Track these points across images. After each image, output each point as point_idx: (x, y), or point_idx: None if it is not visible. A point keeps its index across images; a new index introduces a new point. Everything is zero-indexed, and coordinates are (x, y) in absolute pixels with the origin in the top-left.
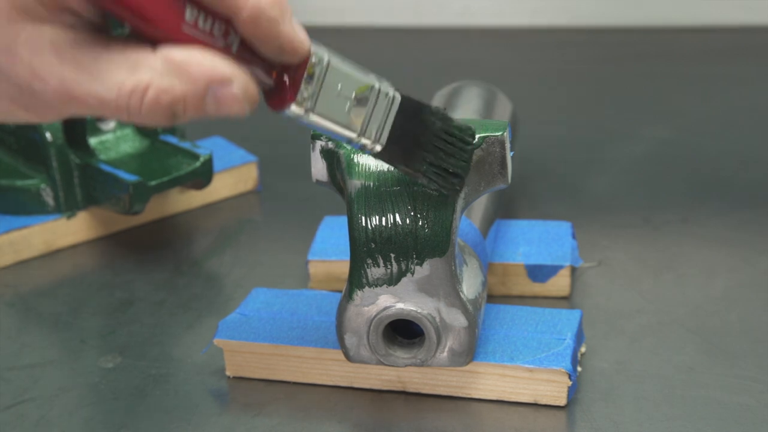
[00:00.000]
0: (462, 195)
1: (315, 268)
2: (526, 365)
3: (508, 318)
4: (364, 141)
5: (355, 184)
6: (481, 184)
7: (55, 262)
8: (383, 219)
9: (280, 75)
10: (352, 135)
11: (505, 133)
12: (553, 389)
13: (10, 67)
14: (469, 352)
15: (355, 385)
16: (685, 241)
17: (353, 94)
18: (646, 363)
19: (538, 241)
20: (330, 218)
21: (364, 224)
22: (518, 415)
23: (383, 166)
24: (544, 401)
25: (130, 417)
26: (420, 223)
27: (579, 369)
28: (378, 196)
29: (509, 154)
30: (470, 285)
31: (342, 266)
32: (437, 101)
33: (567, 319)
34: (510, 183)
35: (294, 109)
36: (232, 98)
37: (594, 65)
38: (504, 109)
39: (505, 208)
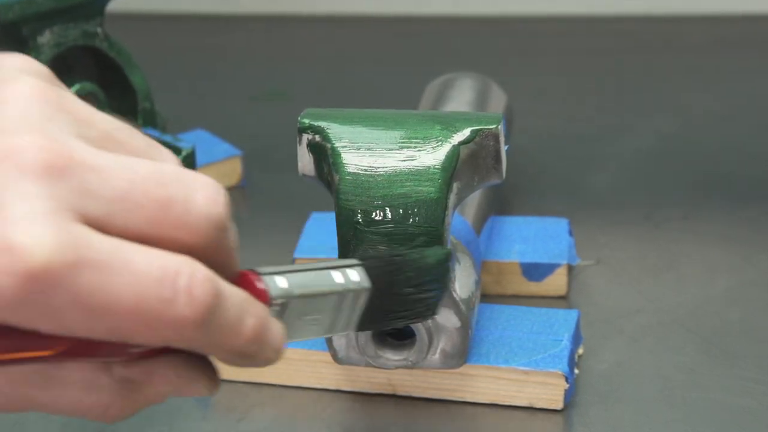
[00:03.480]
0: (454, 190)
1: None
2: (522, 367)
3: (502, 318)
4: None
5: (343, 178)
6: (475, 179)
7: None
8: (373, 215)
9: None
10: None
11: (500, 126)
12: (549, 392)
13: None
14: (462, 353)
15: (344, 388)
16: (687, 238)
17: (318, 314)
18: (645, 364)
19: (533, 238)
20: (317, 214)
21: (353, 221)
22: (513, 419)
23: (372, 161)
24: (540, 405)
25: None
26: (410, 220)
27: (576, 371)
28: (367, 191)
29: (504, 148)
30: (463, 284)
31: None
32: (429, 93)
33: (564, 320)
34: (504, 178)
35: None
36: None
37: (593, 56)
38: (498, 101)
39: (500, 204)
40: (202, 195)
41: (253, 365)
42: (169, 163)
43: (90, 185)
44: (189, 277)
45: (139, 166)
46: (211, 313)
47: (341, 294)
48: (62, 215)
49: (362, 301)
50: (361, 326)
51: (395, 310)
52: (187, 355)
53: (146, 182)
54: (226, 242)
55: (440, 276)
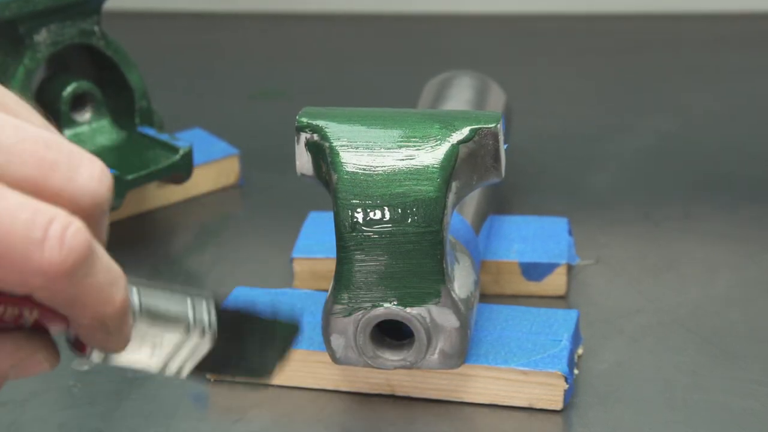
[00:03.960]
0: (453, 190)
1: (300, 266)
2: (521, 368)
3: (501, 318)
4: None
5: (342, 177)
6: (474, 178)
7: None
8: (371, 214)
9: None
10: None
11: (498, 125)
12: (548, 393)
13: None
14: (461, 353)
15: (342, 389)
16: (687, 237)
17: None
18: (645, 365)
19: (533, 237)
20: (315, 213)
21: (351, 220)
22: (512, 419)
23: (371, 160)
24: (539, 405)
25: (106, 422)
26: (409, 220)
27: (576, 371)
28: (366, 189)
29: (503, 147)
30: (462, 284)
31: (328, 264)
32: (428, 91)
33: (563, 320)
34: (504, 177)
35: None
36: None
37: (593, 54)
38: (497, 99)
39: (499, 204)
40: (87, 169)
41: (105, 346)
42: (61, 137)
43: None
44: (62, 226)
45: (30, 129)
46: (81, 265)
47: (187, 325)
48: None
49: (204, 343)
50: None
51: (228, 360)
52: (28, 331)
53: (35, 142)
54: (102, 225)
55: (282, 349)
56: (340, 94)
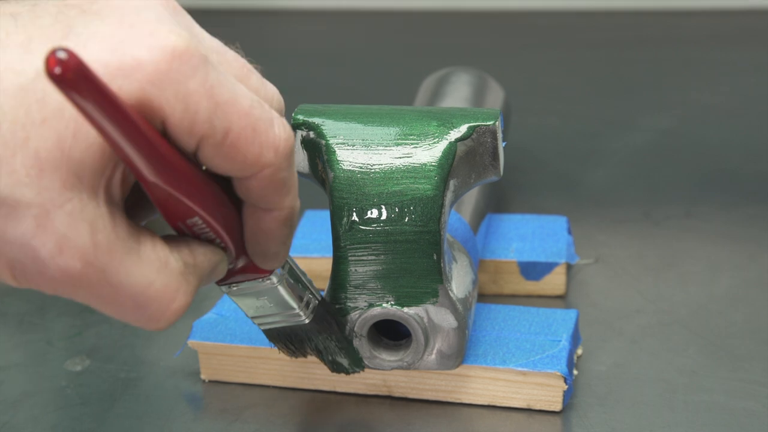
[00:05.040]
0: (451, 188)
1: None
2: (519, 368)
3: (500, 318)
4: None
5: (338, 176)
6: (472, 176)
7: None
8: (368, 213)
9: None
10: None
11: (497, 123)
12: (547, 394)
13: (34, 231)
14: (459, 354)
15: (338, 390)
16: (688, 236)
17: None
18: (646, 366)
19: (531, 236)
20: (311, 212)
21: (347, 219)
22: (511, 421)
23: (368, 158)
24: (538, 406)
25: (99, 423)
26: (406, 218)
27: (575, 372)
28: (362, 188)
29: (501, 145)
30: (460, 283)
31: (324, 263)
32: (425, 88)
33: (562, 320)
34: (502, 175)
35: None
36: (220, 275)
37: (592, 50)
38: (495, 96)
39: (497, 202)
40: (279, 123)
41: (278, 253)
42: (254, 86)
43: (212, 80)
44: (280, 119)
45: (240, 87)
46: (292, 148)
47: (292, 310)
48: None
49: (292, 321)
50: (270, 332)
51: (293, 341)
52: (214, 245)
53: (243, 99)
54: (290, 170)
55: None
56: (337, 91)
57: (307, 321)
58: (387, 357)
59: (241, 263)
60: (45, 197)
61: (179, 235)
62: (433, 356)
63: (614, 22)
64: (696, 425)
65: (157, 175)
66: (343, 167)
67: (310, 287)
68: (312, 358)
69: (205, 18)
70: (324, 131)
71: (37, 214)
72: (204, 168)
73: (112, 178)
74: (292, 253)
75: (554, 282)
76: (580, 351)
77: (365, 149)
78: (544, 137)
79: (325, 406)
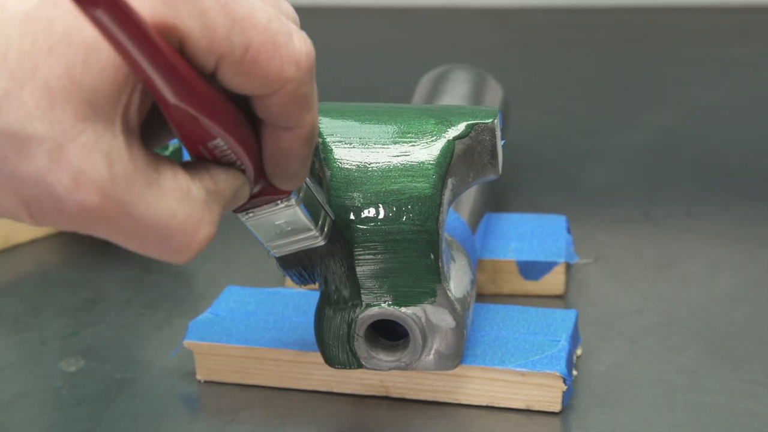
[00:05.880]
0: (449, 186)
1: None
2: (518, 369)
3: (498, 318)
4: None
5: (335, 174)
6: (470, 174)
7: (15, 258)
8: (365, 212)
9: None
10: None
11: (496, 121)
12: (546, 394)
13: (49, 166)
14: (457, 354)
15: (336, 390)
16: (688, 236)
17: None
18: (645, 366)
19: (530, 236)
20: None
21: (344, 218)
22: (510, 421)
23: (365, 156)
24: (537, 407)
25: (94, 424)
26: (404, 217)
27: (574, 373)
28: (359, 186)
29: (500, 143)
30: (458, 283)
31: None
32: (423, 86)
33: (562, 320)
34: (501, 174)
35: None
36: (241, 200)
37: (592, 48)
38: (494, 94)
39: (496, 201)
40: (298, 37)
41: (298, 172)
42: (270, 3)
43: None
44: (299, 32)
45: (256, 2)
46: (313, 62)
47: (309, 232)
48: None
49: (308, 244)
50: (284, 259)
51: (306, 266)
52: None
53: (261, 14)
54: (311, 85)
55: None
56: (334, 88)
57: (323, 242)
58: (384, 357)
59: (259, 186)
60: (57, 130)
61: (198, 160)
62: (431, 356)
63: (614, 20)
64: (696, 425)
65: (178, 95)
66: (340, 165)
67: (324, 207)
68: (310, 358)
69: None
70: (321, 129)
71: (51, 149)
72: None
73: (129, 107)
74: None
75: (553, 282)
76: (579, 351)
77: (362, 147)
78: (544, 135)
79: (321, 406)
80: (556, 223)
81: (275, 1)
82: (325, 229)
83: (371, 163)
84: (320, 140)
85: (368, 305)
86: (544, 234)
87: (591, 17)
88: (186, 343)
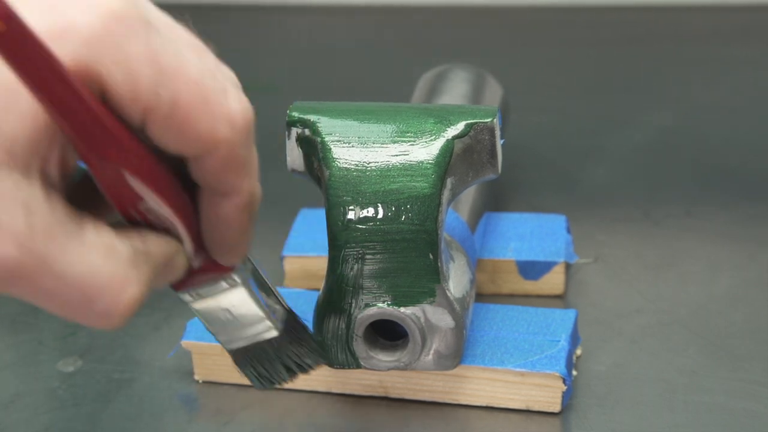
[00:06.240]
0: (448, 186)
1: (291, 265)
2: (518, 369)
3: (498, 318)
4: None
5: (334, 174)
6: (469, 174)
7: None
8: (364, 212)
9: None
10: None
11: (495, 120)
12: (546, 394)
13: None
14: (456, 354)
15: (334, 391)
16: (688, 236)
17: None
18: (645, 366)
19: (530, 235)
20: (307, 210)
21: (343, 217)
22: (509, 422)
23: (364, 156)
24: (536, 407)
25: (92, 424)
26: (403, 217)
27: (574, 373)
28: (358, 186)
29: (499, 142)
30: (457, 283)
31: (320, 262)
32: (422, 85)
33: (561, 320)
34: (500, 173)
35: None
36: (177, 271)
37: (591, 47)
38: (494, 94)
39: (495, 201)
40: (234, 95)
41: (238, 246)
42: (207, 62)
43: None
44: (237, 91)
45: (188, 55)
46: (252, 126)
47: (261, 320)
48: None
49: (261, 334)
50: (238, 354)
51: (263, 362)
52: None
53: (192, 67)
54: (249, 149)
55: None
56: (332, 87)
57: (276, 332)
58: (383, 357)
59: (199, 261)
60: None
61: (131, 224)
62: (431, 357)
63: (614, 19)
64: (696, 426)
65: (98, 147)
66: (339, 165)
67: (275, 293)
68: None
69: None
70: (319, 128)
71: None
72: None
73: (49, 157)
74: (287, 252)
75: (553, 281)
76: (579, 351)
77: (361, 147)
78: (543, 135)
79: (320, 407)
80: (556, 222)
81: (215, 62)
82: (278, 317)
83: (370, 163)
84: (319, 139)
85: (367, 305)
86: (543, 234)
87: (591, 16)
88: (184, 343)
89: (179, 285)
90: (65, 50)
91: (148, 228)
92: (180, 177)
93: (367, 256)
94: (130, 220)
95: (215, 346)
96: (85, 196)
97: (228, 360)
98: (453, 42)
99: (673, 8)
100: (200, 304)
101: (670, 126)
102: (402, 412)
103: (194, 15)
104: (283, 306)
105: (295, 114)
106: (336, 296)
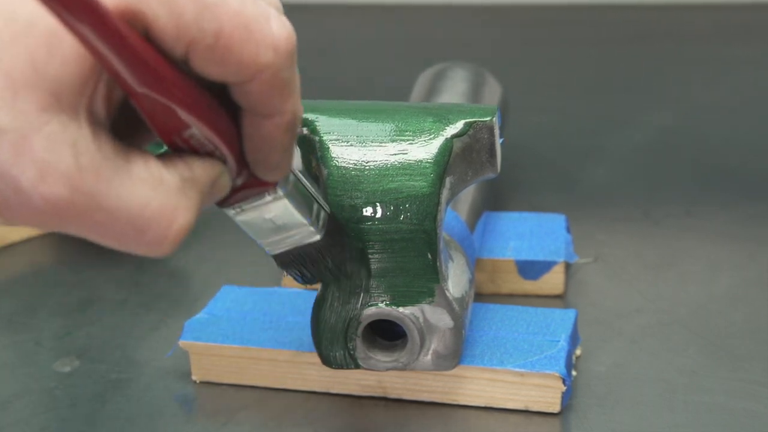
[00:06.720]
0: (447, 185)
1: None
2: (517, 369)
3: (497, 318)
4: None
5: (332, 173)
6: (468, 173)
7: (9, 258)
8: (363, 211)
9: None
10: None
11: (494, 119)
12: (545, 395)
13: (13, 159)
14: (455, 354)
15: (333, 391)
16: (688, 235)
17: (276, 226)
18: (645, 366)
19: (529, 235)
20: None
21: (342, 217)
22: (508, 423)
23: (362, 155)
24: (536, 408)
25: (89, 425)
26: (402, 216)
27: (574, 373)
28: (357, 185)
29: (498, 141)
30: (456, 282)
31: None
32: (421, 84)
33: (561, 320)
34: (499, 172)
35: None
36: (223, 191)
37: (592, 46)
38: (493, 92)
39: (495, 200)
40: (276, 20)
41: (281, 161)
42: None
43: None
44: (279, 15)
45: None
46: (294, 46)
47: (303, 226)
48: None
49: (303, 239)
50: (281, 256)
51: (306, 263)
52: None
53: None
54: (292, 71)
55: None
56: (331, 86)
57: (318, 237)
58: (382, 357)
59: (242, 179)
60: (21, 121)
61: (175, 151)
62: (429, 357)
63: (614, 18)
64: (696, 426)
65: (145, 83)
66: (338, 164)
67: (317, 199)
68: (307, 359)
69: None
70: (318, 127)
71: (14, 140)
72: (196, 76)
73: (94, 96)
74: None
75: (553, 281)
76: (578, 351)
77: (360, 146)
78: (543, 134)
79: (318, 407)
80: (556, 222)
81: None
82: (320, 223)
83: (369, 162)
84: (317, 138)
85: (365, 305)
86: (543, 233)
87: (591, 15)
88: (182, 343)
89: (223, 202)
90: None
91: (193, 153)
92: (222, 99)
93: (366, 256)
94: (175, 147)
95: (213, 347)
96: (128, 124)
97: (225, 360)
98: (452, 40)
99: (673, 7)
100: (244, 216)
101: (671, 126)
102: (401, 412)
103: None
104: (323, 209)
105: None
106: (334, 296)
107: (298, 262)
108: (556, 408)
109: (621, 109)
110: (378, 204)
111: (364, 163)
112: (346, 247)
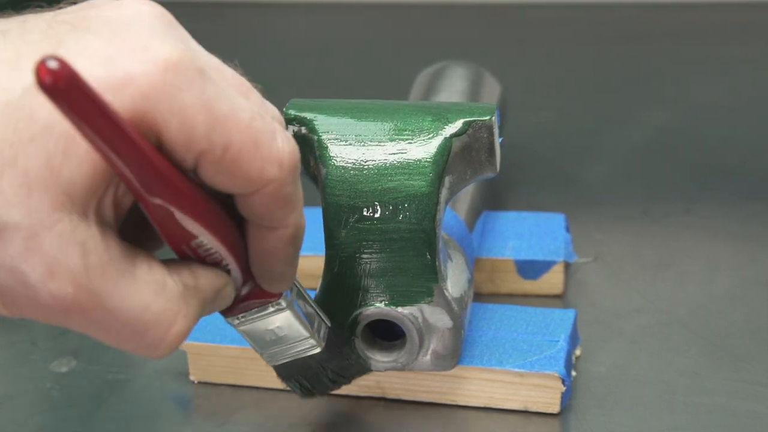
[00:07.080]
0: (446, 185)
1: None
2: (516, 369)
3: (496, 318)
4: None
5: (331, 172)
6: (468, 172)
7: None
8: (361, 211)
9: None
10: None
11: (493, 118)
12: (545, 395)
13: (23, 254)
14: (454, 354)
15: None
16: (688, 235)
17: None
18: (645, 367)
19: (529, 234)
20: (304, 209)
21: (340, 216)
22: (507, 423)
23: (361, 154)
24: (535, 408)
25: (86, 426)
26: (401, 216)
27: (573, 373)
28: (355, 185)
29: (498, 141)
30: (455, 282)
31: (316, 261)
32: (420, 82)
33: (560, 320)
34: (498, 172)
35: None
36: (226, 301)
37: (591, 44)
38: (492, 91)
39: (494, 199)
40: (282, 137)
41: (283, 275)
42: (254, 103)
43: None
44: (283, 131)
45: (239, 100)
46: (297, 162)
47: (305, 338)
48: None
49: (304, 351)
50: (282, 368)
51: (306, 375)
52: (217, 268)
53: (243, 112)
54: (295, 185)
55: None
56: (329, 85)
57: (320, 349)
58: (381, 357)
59: (247, 289)
60: (34, 218)
61: (182, 259)
62: (428, 357)
63: (613, 17)
64: (697, 427)
65: (156, 192)
66: (336, 163)
67: (318, 312)
68: None
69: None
70: (316, 126)
71: (26, 237)
72: (204, 186)
73: (104, 198)
74: None
75: (552, 281)
76: (578, 351)
77: (358, 145)
78: (542, 133)
79: (317, 407)
80: (555, 221)
81: (260, 101)
82: (321, 335)
83: (367, 161)
84: (316, 137)
85: (364, 305)
86: (542, 233)
87: (591, 13)
88: None
89: (227, 311)
90: (123, 102)
91: (199, 262)
92: (230, 210)
93: (364, 256)
94: (182, 255)
95: (210, 347)
96: (136, 226)
97: (223, 360)
98: (451, 39)
99: (672, 6)
100: (246, 326)
101: (669, 125)
102: (399, 412)
103: (191, 12)
104: (324, 322)
105: (292, 112)
106: (333, 296)
107: (298, 374)
108: (555, 408)
109: (620, 108)
110: (377, 203)
111: (363, 163)
112: (347, 357)
